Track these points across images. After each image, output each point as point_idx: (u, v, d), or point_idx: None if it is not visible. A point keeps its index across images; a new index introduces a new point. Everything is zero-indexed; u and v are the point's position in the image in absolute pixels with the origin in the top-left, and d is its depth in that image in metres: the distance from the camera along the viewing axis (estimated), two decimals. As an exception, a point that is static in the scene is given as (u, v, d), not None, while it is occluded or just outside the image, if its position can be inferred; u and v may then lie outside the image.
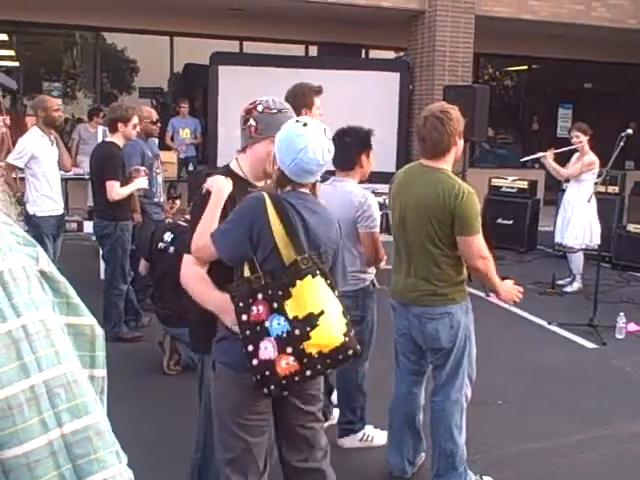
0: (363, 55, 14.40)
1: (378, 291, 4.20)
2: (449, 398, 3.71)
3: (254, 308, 2.51)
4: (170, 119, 11.97)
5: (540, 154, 8.32)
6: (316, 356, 2.51)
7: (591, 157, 7.89)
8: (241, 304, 2.52)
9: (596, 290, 6.67)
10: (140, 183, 5.94)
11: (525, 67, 15.71)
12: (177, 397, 4.95)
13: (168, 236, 5.42)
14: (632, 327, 6.63)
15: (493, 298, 7.63)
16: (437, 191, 3.48)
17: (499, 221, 10.25)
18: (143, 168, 6.05)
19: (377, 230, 4.01)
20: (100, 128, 8.69)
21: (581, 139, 7.95)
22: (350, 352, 2.57)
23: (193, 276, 2.77)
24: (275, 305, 2.51)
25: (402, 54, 13.48)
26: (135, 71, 13.82)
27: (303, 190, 2.72)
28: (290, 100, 4.40)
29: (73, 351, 1.01)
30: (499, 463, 4.12)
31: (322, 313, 2.52)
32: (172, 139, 11.73)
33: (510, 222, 10.33)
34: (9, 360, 0.93)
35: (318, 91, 4.34)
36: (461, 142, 3.64)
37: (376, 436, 4.28)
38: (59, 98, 7.16)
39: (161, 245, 5.42)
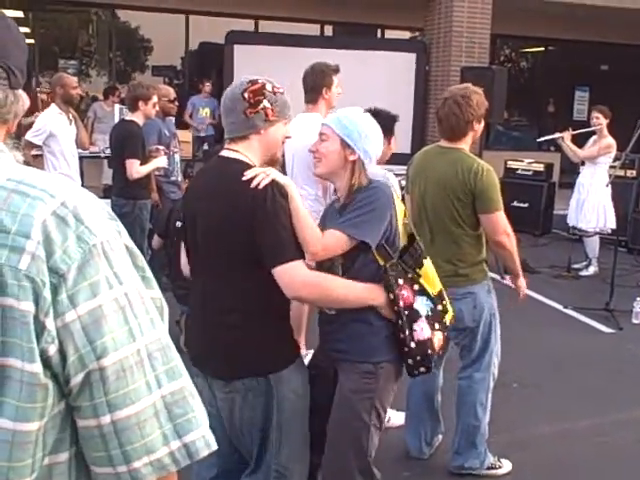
0: (379, 35, 14.31)
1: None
2: (476, 376, 3.75)
3: (401, 293, 2.56)
4: (190, 97, 12.02)
5: (557, 134, 8.26)
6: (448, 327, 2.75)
7: (609, 140, 7.83)
8: (392, 295, 2.55)
9: (613, 274, 6.65)
10: (160, 162, 5.95)
11: (542, 49, 15.58)
12: (193, 375, 4.98)
13: None
14: (650, 312, 6.60)
15: (508, 281, 7.62)
16: (456, 170, 3.51)
17: (514, 204, 10.18)
18: (162, 147, 6.05)
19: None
20: (117, 106, 8.69)
21: (601, 121, 7.89)
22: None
23: (323, 279, 2.50)
24: (416, 287, 2.61)
25: (418, 34, 13.38)
26: (150, 49, 13.82)
27: None
28: (309, 79, 4.41)
29: (159, 317, 1.08)
30: (515, 445, 4.13)
31: (441, 291, 2.74)
32: (191, 117, 11.78)
33: (525, 205, 10.28)
34: (119, 325, 1.00)
35: (336, 70, 4.37)
36: (480, 126, 3.65)
37: (393, 417, 4.29)
38: (74, 76, 7.14)
39: (179, 224, 5.43)
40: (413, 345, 2.56)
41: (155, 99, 5.94)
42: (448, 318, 2.71)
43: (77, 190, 1.06)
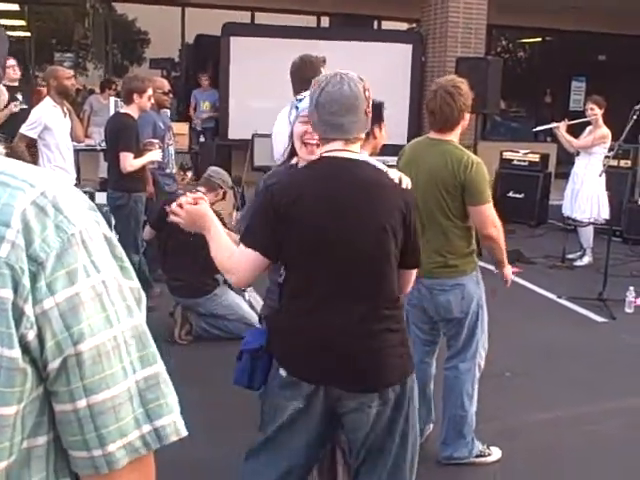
0: (376, 27, 14.30)
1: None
2: (462, 367, 3.78)
3: None
4: (192, 91, 12.09)
5: (553, 124, 8.30)
6: None
7: (604, 130, 7.86)
8: None
9: (606, 264, 6.68)
10: (153, 155, 5.96)
11: (539, 39, 15.58)
12: (188, 366, 5.01)
13: None
14: (641, 301, 6.64)
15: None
16: (446, 162, 3.54)
17: (510, 194, 10.23)
18: (157, 141, 6.07)
19: None
20: (112, 99, 8.69)
21: (595, 112, 7.91)
22: None
23: None
24: None
25: (415, 26, 13.37)
26: (146, 42, 13.81)
27: None
28: (298, 71, 4.42)
29: (135, 304, 1.10)
30: (506, 434, 4.17)
31: None
32: (195, 110, 11.90)
33: (521, 196, 10.31)
34: (97, 311, 1.02)
35: (323, 61, 4.40)
36: (468, 115, 3.69)
37: (385, 406, 4.32)
38: (71, 69, 7.17)
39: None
40: None
41: (150, 92, 5.95)
42: None
43: (57, 181, 1.07)
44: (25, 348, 0.98)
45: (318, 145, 2.56)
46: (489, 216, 3.58)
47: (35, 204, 1.00)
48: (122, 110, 6.10)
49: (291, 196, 2.37)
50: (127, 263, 1.12)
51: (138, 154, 5.83)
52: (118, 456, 1.05)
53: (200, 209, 2.54)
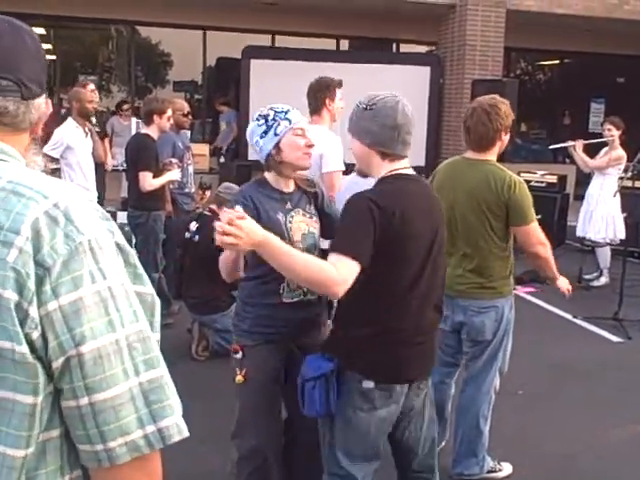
0: (394, 49, 14.43)
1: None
2: (480, 389, 3.77)
3: None
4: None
5: (570, 143, 8.31)
6: None
7: (619, 152, 7.88)
8: None
9: (622, 284, 6.68)
10: (172, 175, 6.07)
11: (557, 61, 15.62)
12: (204, 381, 5.09)
13: (194, 226, 5.56)
14: (658, 321, 6.63)
15: (519, 291, 7.68)
16: (489, 183, 3.49)
17: (528, 216, 10.21)
18: (176, 161, 6.18)
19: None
20: (134, 120, 8.87)
21: (613, 132, 7.94)
22: None
23: None
24: None
25: (434, 49, 13.49)
26: (169, 65, 14.02)
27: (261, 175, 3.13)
28: (313, 92, 4.52)
29: (142, 311, 1.18)
30: (517, 451, 4.18)
31: None
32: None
33: (539, 217, 10.23)
34: (100, 316, 1.09)
35: (339, 84, 4.49)
36: (507, 137, 3.63)
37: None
38: (94, 91, 7.33)
39: (187, 235, 5.57)
40: None
41: (170, 112, 6.07)
42: None
43: (71, 192, 1.16)
44: (31, 346, 1.07)
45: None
46: (535, 235, 3.57)
47: (47, 214, 1.09)
48: (142, 131, 6.23)
49: (395, 211, 2.47)
50: (141, 270, 1.21)
51: (157, 174, 5.94)
52: (119, 452, 1.12)
53: (252, 224, 2.36)
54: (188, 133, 7.39)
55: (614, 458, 4.21)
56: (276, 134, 2.83)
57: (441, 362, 3.92)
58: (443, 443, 4.11)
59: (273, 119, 2.83)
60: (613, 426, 4.62)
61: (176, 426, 1.16)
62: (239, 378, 2.91)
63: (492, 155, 3.61)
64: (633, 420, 4.70)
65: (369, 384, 2.57)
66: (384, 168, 2.62)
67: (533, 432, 4.49)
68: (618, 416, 4.76)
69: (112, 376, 1.10)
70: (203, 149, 11.09)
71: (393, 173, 2.61)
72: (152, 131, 6.03)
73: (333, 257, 2.39)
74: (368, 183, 4.07)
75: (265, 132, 2.82)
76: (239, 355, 2.94)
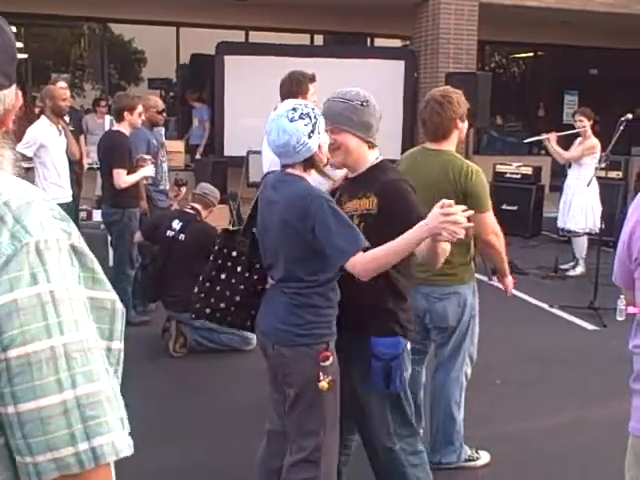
0: (368, 44, 14.45)
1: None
2: (450, 375, 3.82)
3: None
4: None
5: (544, 136, 8.38)
6: None
7: (593, 141, 7.95)
8: None
9: (597, 273, 6.75)
10: (146, 171, 6.05)
11: (531, 54, 15.72)
12: (183, 378, 5.09)
13: (177, 224, 5.54)
14: (632, 309, 6.68)
15: (495, 282, 7.73)
16: (446, 172, 3.57)
17: (504, 207, 10.29)
18: (149, 157, 6.15)
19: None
20: (107, 118, 8.81)
21: (584, 123, 8.01)
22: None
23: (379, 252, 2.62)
24: None
25: (408, 43, 13.53)
26: (142, 62, 13.94)
27: (289, 170, 2.80)
28: (286, 88, 4.51)
29: (90, 322, 1.08)
30: (495, 439, 4.22)
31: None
32: None
33: (515, 208, 10.38)
34: (35, 319, 1.01)
35: (312, 78, 4.46)
36: (464, 125, 3.71)
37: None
38: (66, 89, 7.25)
39: (170, 233, 5.53)
40: None
41: (140, 108, 6.05)
42: None
43: (25, 191, 1.10)
44: None
45: None
46: (490, 223, 3.64)
47: None
48: (114, 128, 6.20)
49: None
50: (100, 274, 1.13)
51: (131, 170, 5.92)
52: (47, 468, 1.03)
53: None
54: (163, 130, 7.35)
55: (593, 444, 4.26)
56: (319, 132, 2.73)
57: (410, 350, 3.95)
58: (421, 432, 4.13)
59: (315, 117, 2.73)
60: (590, 412, 4.68)
61: (112, 445, 1.05)
62: (324, 385, 2.74)
63: (450, 145, 3.68)
64: (610, 406, 4.75)
65: (409, 345, 3.01)
66: (371, 156, 2.94)
67: (510, 420, 4.52)
68: (595, 402, 4.82)
69: (42, 386, 1.01)
70: (178, 146, 11.01)
71: (380, 159, 2.96)
72: (124, 128, 6.01)
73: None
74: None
75: (312, 131, 2.71)
76: (329, 362, 2.76)
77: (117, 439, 1.06)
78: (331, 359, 2.76)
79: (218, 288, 3.01)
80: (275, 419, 3.01)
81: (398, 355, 2.90)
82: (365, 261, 2.57)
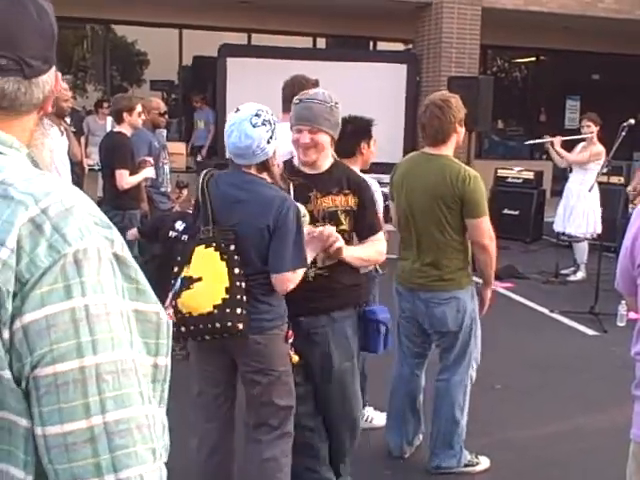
0: (371, 47, 14.45)
1: (380, 277, 4.29)
2: (454, 379, 3.82)
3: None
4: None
5: (547, 139, 8.38)
6: (187, 315, 2.80)
7: (599, 147, 7.94)
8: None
9: (598, 278, 6.73)
10: (148, 172, 6.05)
11: (533, 59, 15.73)
12: (182, 380, 5.06)
13: (180, 224, 5.49)
14: (633, 315, 6.68)
15: (497, 287, 7.72)
16: (444, 176, 3.59)
17: (505, 211, 10.30)
18: (150, 159, 6.15)
19: (380, 215, 4.09)
20: (109, 119, 8.80)
21: (592, 129, 8.00)
22: (221, 325, 2.78)
23: None
24: (176, 269, 2.91)
25: (410, 46, 13.53)
26: (145, 64, 13.95)
27: (246, 170, 2.92)
28: (287, 91, 4.50)
29: (135, 337, 1.01)
30: (495, 444, 4.20)
31: (199, 280, 2.81)
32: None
33: (516, 212, 10.38)
34: (66, 337, 0.94)
35: (314, 84, 4.43)
36: (462, 129, 3.74)
37: (376, 418, 4.38)
38: (70, 90, 7.25)
39: (172, 234, 5.49)
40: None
41: (139, 108, 6.05)
42: (182, 304, 2.81)
43: (67, 195, 1.02)
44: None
45: None
46: (485, 228, 3.64)
47: (32, 221, 0.96)
48: (115, 129, 6.19)
49: None
50: (145, 286, 1.05)
51: (133, 172, 5.91)
52: None
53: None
54: (164, 132, 7.35)
55: (594, 450, 4.24)
56: (275, 138, 2.93)
57: (410, 353, 3.97)
58: (421, 437, 4.14)
59: (274, 124, 2.93)
60: (591, 418, 4.66)
61: (140, 478, 0.98)
62: (295, 358, 3.03)
63: (448, 150, 3.70)
64: (611, 412, 4.73)
65: None
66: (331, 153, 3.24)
67: (511, 426, 4.51)
68: (595, 408, 4.80)
69: (68, 409, 0.94)
70: (180, 148, 11.05)
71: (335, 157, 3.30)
72: (124, 129, 6.01)
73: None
74: None
75: (271, 137, 2.89)
76: (292, 339, 3.02)
77: (146, 472, 0.99)
78: (292, 337, 3.03)
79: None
80: (211, 408, 3.11)
81: (389, 318, 3.39)
82: (292, 278, 2.85)
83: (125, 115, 5.97)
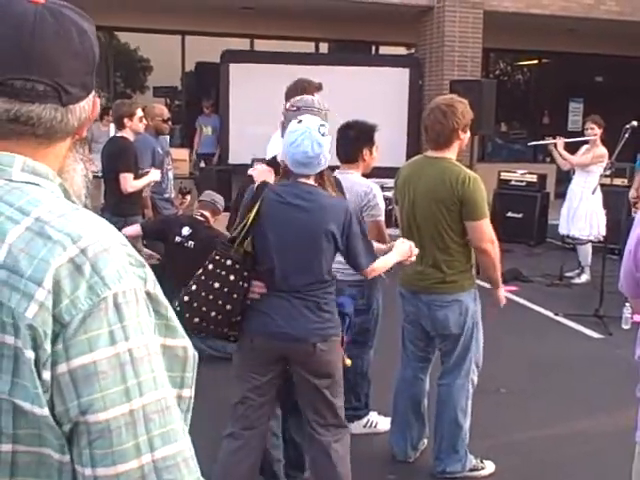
0: (373, 51, 14.47)
1: (383, 281, 4.29)
2: (456, 382, 3.81)
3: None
4: (198, 117, 12.32)
5: (551, 140, 8.37)
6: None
7: (602, 150, 7.93)
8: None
9: (602, 281, 6.72)
10: (153, 176, 6.06)
11: (536, 61, 15.72)
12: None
13: (187, 230, 5.46)
14: (638, 317, 6.66)
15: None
16: (444, 179, 3.59)
17: (509, 214, 10.28)
18: (152, 169, 6.16)
19: (382, 219, 4.10)
20: (112, 126, 8.80)
21: (596, 131, 8.00)
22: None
23: None
24: None
25: (413, 50, 13.55)
26: (148, 70, 13.98)
27: (303, 180, 2.98)
28: (291, 95, 4.49)
29: (166, 375, 1.03)
30: (501, 449, 4.20)
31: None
32: (200, 137, 12.15)
33: (520, 215, 10.36)
34: (115, 383, 0.96)
35: (318, 87, 4.44)
36: (466, 135, 3.73)
37: (380, 422, 4.37)
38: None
39: (178, 239, 5.46)
40: None
41: (140, 113, 6.08)
42: None
43: (104, 234, 1.02)
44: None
45: None
46: (485, 231, 3.63)
47: (72, 262, 0.96)
48: (118, 134, 6.21)
49: None
50: (173, 321, 1.07)
51: (136, 178, 5.92)
52: None
53: None
54: (168, 138, 7.37)
55: (597, 453, 4.23)
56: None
57: (414, 357, 3.97)
58: (425, 441, 4.13)
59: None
60: (595, 421, 4.65)
61: None
62: (349, 362, 3.24)
63: (451, 153, 3.70)
64: (615, 415, 4.72)
65: None
66: None
67: (516, 430, 4.50)
68: (600, 412, 4.79)
69: (121, 451, 0.96)
70: (183, 154, 11.05)
71: None
72: (126, 134, 6.04)
73: None
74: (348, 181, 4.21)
75: (329, 148, 3.03)
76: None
77: None
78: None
79: (211, 297, 3.01)
80: (253, 417, 3.16)
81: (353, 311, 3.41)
82: (371, 272, 3.19)
83: (126, 121, 5.99)
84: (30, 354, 0.93)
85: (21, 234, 0.97)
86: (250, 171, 3.56)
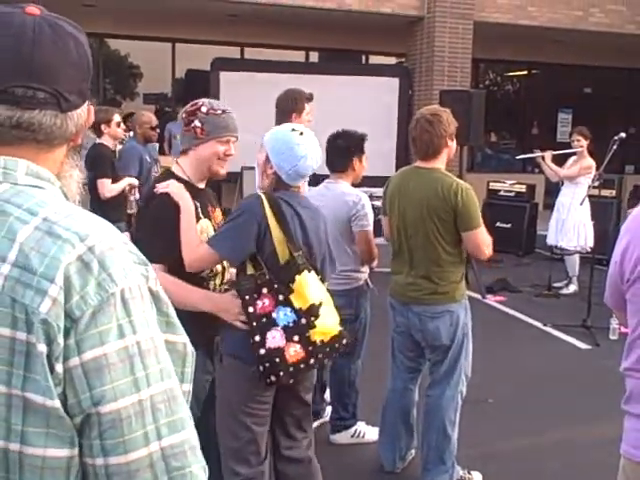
0: (363, 61, 14.50)
1: (371, 291, 4.28)
2: (445, 393, 3.79)
3: (259, 302, 2.65)
4: (167, 124, 12.11)
5: (538, 153, 8.41)
6: (319, 344, 2.71)
7: (589, 161, 7.97)
8: (247, 297, 2.66)
9: (590, 291, 6.74)
10: (131, 179, 6.08)
11: (525, 72, 15.81)
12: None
13: None
14: (625, 328, 6.68)
15: (489, 300, 7.73)
16: (436, 189, 3.59)
17: (498, 225, 10.31)
18: (134, 181, 6.19)
19: (370, 229, 4.10)
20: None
21: (582, 143, 8.05)
22: (344, 341, 2.78)
23: (173, 284, 2.62)
24: (281, 297, 2.68)
25: (403, 60, 13.59)
26: (138, 77, 13.96)
27: (295, 190, 2.92)
28: (281, 104, 4.50)
29: (171, 366, 1.08)
30: (487, 459, 4.19)
31: (321, 304, 2.72)
32: (169, 144, 11.85)
33: (508, 226, 10.39)
34: (124, 374, 1.01)
35: (309, 98, 4.44)
36: (453, 143, 3.75)
37: (368, 432, 4.36)
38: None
39: None
40: (263, 352, 2.63)
41: (117, 118, 6.11)
42: (317, 334, 2.70)
43: (108, 234, 1.06)
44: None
45: None
46: (482, 239, 3.64)
47: (81, 259, 1.00)
48: (96, 141, 6.21)
49: None
50: (174, 319, 1.12)
51: (115, 182, 5.93)
52: None
53: None
54: (156, 145, 7.35)
55: (584, 464, 4.23)
56: None
57: (404, 368, 3.96)
58: (413, 451, 4.12)
59: None
60: (582, 432, 4.65)
61: None
62: None
63: (440, 163, 3.71)
64: (602, 426, 4.72)
65: None
66: None
67: (503, 440, 4.50)
68: (587, 422, 4.79)
69: (131, 440, 1.01)
70: (171, 162, 11.00)
71: None
72: (105, 140, 6.07)
73: None
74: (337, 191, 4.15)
75: None
76: None
77: None
78: None
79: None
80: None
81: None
82: None
83: (103, 127, 6.02)
84: (42, 348, 0.97)
85: (31, 233, 1.02)
86: (162, 188, 2.87)
